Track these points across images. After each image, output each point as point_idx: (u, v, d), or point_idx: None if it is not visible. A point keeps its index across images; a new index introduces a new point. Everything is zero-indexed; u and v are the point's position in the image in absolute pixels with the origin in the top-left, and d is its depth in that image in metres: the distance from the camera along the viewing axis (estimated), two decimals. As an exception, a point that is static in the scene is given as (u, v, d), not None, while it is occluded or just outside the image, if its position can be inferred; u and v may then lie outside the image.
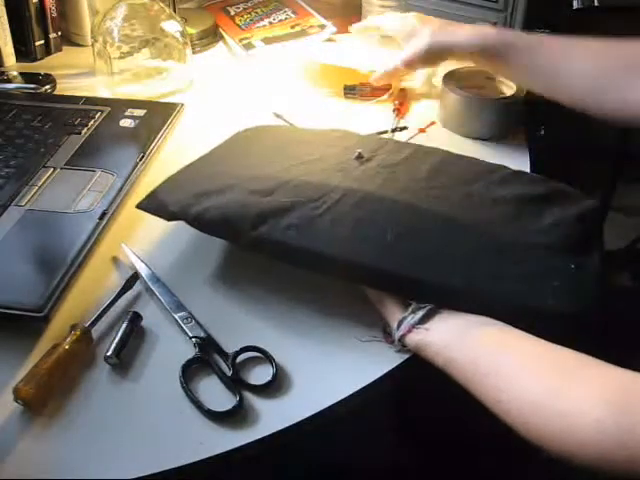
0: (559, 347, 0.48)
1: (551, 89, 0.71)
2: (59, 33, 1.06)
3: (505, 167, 0.70)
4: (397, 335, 0.53)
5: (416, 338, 0.52)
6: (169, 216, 0.61)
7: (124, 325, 0.55)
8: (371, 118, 0.88)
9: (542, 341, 0.49)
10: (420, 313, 0.53)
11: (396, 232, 0.57)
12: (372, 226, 0.58)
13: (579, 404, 0.43)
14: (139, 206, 0.63)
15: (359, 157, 0.68)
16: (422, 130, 0.86)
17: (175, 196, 0.62)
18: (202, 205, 0.59)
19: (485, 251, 0.57)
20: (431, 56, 0.78)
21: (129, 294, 0.60)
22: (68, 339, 0.53)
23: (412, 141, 0.83)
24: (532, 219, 0.61)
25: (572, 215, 0.62)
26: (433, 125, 0.87)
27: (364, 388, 0.52)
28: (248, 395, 0.52)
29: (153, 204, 0.63)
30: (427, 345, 0.52)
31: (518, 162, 0.79)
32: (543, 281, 0.55)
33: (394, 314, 0.54)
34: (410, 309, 0.53)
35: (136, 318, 0.56)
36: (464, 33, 0.75)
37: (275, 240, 0.56)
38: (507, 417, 0.46)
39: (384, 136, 0.84)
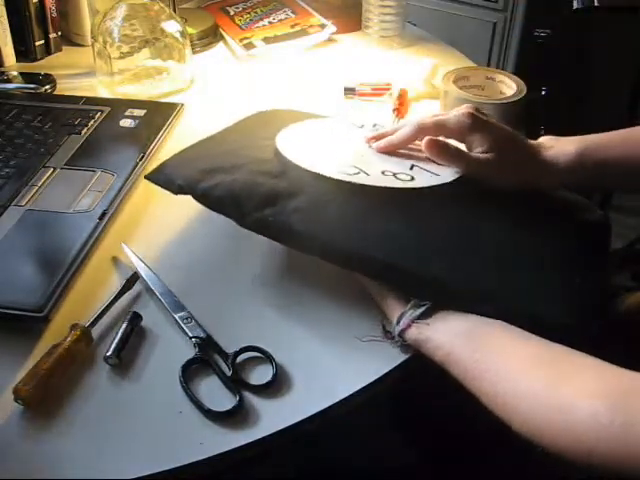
0: (558, 345, 0.48)
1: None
2: (59, 33, 1.06)
3: None
4: (397, 330, 0.53)
5: (416, 332, 0.53)
6: (176, 189, 0.60)
7: (124, 325, 0.55)
8: (371, 118, 0.88)
9: (542, 339, 0.49)
10: (420, 309, 0.53)
11: (403, 225, 0.57)
12: (379, 217, 0.58)
13: (575, 399, 0.43)
14: (147, 177, 0.63)
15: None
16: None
17: (184, 171, 0.62)
18: (210, 181, 0.59)
19: (490, 254, 0.57)
20: None
21: (129, 294, 0.60)
22: (68, 339, 0.53)
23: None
24: (538, 226, 0.61)
25: (579, 225, 0.62)
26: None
27: (364, 388, 0.52)
28: (248, 395, 0.52)
29: (161, 177, 0.63)
30: (427, 340, 0.52)
31: (518, 162, 0.79)
32: (545, 288, 0.55)
33: (394, 309, 0.55)
34: (410, 304, 0.54)
35: (136, 318, 0.56)
36: (557, 169, 0.62)
37: (280, 222, 0.56)
38: (503, 412, 0.47)
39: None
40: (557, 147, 0.63)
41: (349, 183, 0.59)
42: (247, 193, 0.58)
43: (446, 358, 0.51)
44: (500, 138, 0.62)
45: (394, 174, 0.62)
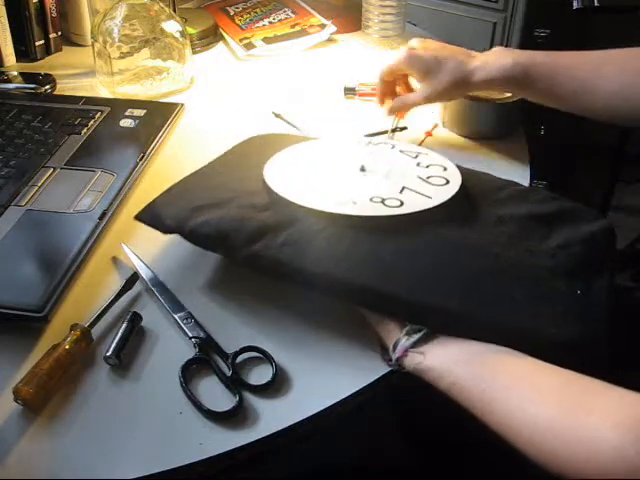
0: (568, 371, 0.47)
1: (584, 107, 0.71)
2: (59, 33, 1.06)
3: (516, 184, 0.68)
4: (394, 357, 0.52)
5: (413, 362, 0.51)
6: (165, 229, 0.60)
7: (124, 325, 0.55)
8: (371, 118, 0.88)
9: (550, 365, 0.48)
10: (415, 336, 0.51)
11: (394, 251, 0.56)
12: (368, 246, 0.56)
13: (596, 430, 0.42)
14: (137, 217, 0.62)
15: (363, 169, 0.67)
16: (429, 134, 0.85)
17: (172, 209, 0.61)
18: (198, 219, 0.58)
19: (486, 273, 0.55)
20: (452, 94, 0.77)
21: (129, 294, 0.60)
22: (68, 339, 0.53)
23: (422, 144, 0.83)
24: (538, 240, 0.59)
25: (581, 236, 0.60)
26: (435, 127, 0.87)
27: (364, 388, 0.52)
28: (248, 395, 0.52)
29: (149, 216, 0.62)
30: (428, 369, 0.50)
31: (518, 162, 0.80)
32: (546, 306, 0.53)
33: (390, 335, 0.53)
34: (404, 331, 0.52)
35: (136, 318, 0.56)
36: (482, 68, 0.73)
37: (270, 257, 0.55)
38: (517, 441, 0.45)
39: (384, 136, 0.84)
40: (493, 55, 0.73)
41: (337, 214, 0.58)
42: (235, 229, 0.57)
43: (450, 387, 0.49)
44: (429, 60, 0.75)
45: (382, 200, 0.60)
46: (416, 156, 0.70)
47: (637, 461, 0.40)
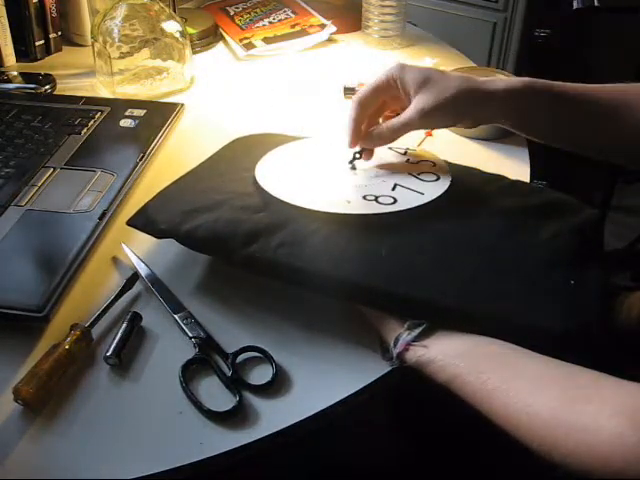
0: (566, 363, 0.47)
1: (610, 134, 0.65)
2: (59, 33, 1.06)
3: (503, 177, 0.68)
4: (394, 352, 0.52)
5: (416, 355, 0.51)
6: (159, 233, 0.60)
7: (124, 325, 0.55)
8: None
9: (548, 358, 0.48)
10: (417, 330, 0.52)
11: (390, 249, 0.56)
12: (364, 244, 0.57)
13: (597, 419, 0.42)
14: (129, 222, 0.62)
15: (353, 167, 0.67)
16: (429, 134, 0.85)
17: (165, 213, 0.61)
18: (193, 223, 0.58)
19: (482, 267, 0.56)
20: (460, 107, 0.62)
21: (129, 294, 0.60)
22: (68, 339, 0.53)
23: (421, 145, 0.83)
24: (531, 232, 0.59)
25: (571, 227, 0.60)
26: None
27: (364, 388, 0.52)
28: (248, 395, 0.52)
29: (143, 220, 0.61)
30: (429, 362, 0.51)
31: (518, 162, 0.80)
32: (542, 298, 0.54)
33: (391, 331, 0.53)
34: (406, 326, 0.52)
35: (136, 318, 0.56)
36: (499, 79, 0.62)
37: (267, 259, 0.55)
38: (518, 433, 0.46)
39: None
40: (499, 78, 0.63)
41: (332, 214, 0.58)
42: (231, 232, 0.57)
43: (451, 380, 0.49)
44: (428, 69, 0.63)
45: (376, 198, 0.61)
46: (405, 152, 0.70)
47: (636, 449, 0.40)
